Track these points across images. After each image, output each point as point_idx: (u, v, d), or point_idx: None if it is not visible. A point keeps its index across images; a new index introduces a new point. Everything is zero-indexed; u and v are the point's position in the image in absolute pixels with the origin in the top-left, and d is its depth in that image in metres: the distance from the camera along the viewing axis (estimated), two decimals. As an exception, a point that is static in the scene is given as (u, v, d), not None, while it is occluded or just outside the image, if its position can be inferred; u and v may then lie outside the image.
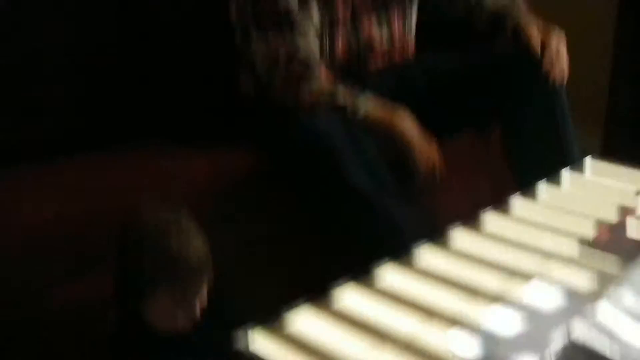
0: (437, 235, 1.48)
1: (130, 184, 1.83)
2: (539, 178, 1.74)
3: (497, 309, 1.23)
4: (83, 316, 1.70)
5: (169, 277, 1.52)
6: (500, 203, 1.63)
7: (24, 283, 1.66)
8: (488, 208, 1.60)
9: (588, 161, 1.82)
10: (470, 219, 1.55)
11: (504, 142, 2.14)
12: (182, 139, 2.10)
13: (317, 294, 1.28)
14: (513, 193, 1.66)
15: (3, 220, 1.69)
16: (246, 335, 1.16)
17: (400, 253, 1.41)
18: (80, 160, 1.97)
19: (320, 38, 2.03)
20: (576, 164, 1.82)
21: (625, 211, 1.54)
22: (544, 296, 1.26)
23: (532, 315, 1.20)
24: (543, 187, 1.70)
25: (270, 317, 1.21)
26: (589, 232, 1.46)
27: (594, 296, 1.25)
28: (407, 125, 1.89)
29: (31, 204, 1.75)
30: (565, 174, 1.77)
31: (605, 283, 1.29)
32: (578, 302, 1.23)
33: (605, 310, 1.20)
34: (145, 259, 1.51)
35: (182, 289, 1.53)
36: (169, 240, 1.50)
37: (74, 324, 1.70)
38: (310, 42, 1.98)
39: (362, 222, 1.84)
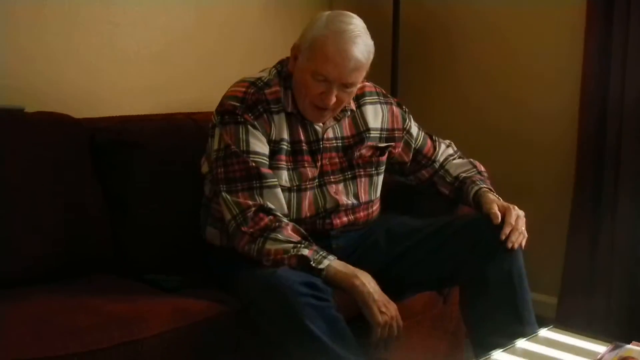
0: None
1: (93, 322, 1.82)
2: (495, 344, 1.76)
3: None
4: None
5: None
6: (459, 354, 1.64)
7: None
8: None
9: (544, 331, 1.86)
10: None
11: (461, 305, 2.17)
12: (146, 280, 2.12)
13: None
14: (469, 354, 1.68)
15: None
16: None
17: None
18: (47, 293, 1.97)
19: (288, 197, 2.10)
20: (532, 333, 1.85)
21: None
22: None
23: None
24: (498, 354, 1.73)
25: None
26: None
27: None
28: (367, 280, 1.93)
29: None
30: (521, 342, 1.79)
31: None
32: None
33: None
34: None
35: None
36: None
37: None
38: (279, 196, 2.05)
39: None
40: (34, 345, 1.69)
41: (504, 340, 1.78)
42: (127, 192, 2.29)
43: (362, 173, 2.24)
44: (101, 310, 1.87)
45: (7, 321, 1.78)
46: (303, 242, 1.96)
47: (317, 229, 2.14)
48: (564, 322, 1.93)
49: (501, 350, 1.75)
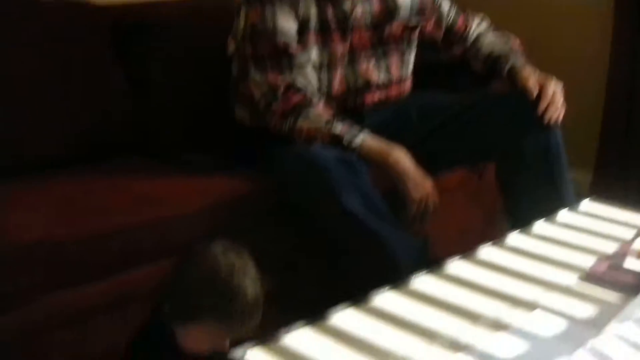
0: (433, 265, 1.48)
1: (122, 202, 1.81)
2: (534, 217, 1.74)
3: (498, 335, 1.22)
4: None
5: (220, 310, 1.50)
6: (494, 237, 1.63)
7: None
8: (486, 241, 1.60)
9: (584, 203, 1.83)
10: (466, 251, 1.54)
11: (498, 180, 2.14)
12: (180, 163, 2.09)
13: (316, 317, 1.26)
14: (506, 230, 1.67)
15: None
16: (245, 352, 1.14)
17: (396, 279, 1.40)
18: (73, 176, 1.96)
19: (318, 74, 2.04)
20: (572, 205, 1.83)
21: (623, 245, 1.54)
22: (546, 325, 1.25)
23: (534, 343, 1.19)
24: (540, 224, 1.71)
25: (269, 337, 1.19)
26: (588, 264, 1.46)
27: (596, 327, 1.24)
28: (402, 155, 1.90)
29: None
30: (562, 213, 1.77)
31: (605, 315, 1.28)
32: (580, 332, 1.22)
33: (606, 341, 1.19)
34: (204, 284, 1.49)
35: (228, 326, 1.52)
36: (232, 275, 1.49)
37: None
38: (308, 75, 2.00)
39: (356, 246, 1.84)
40: (61, 226, 1.68)
41: (543, 215, 1.76)
42: (151, 74, 2.23)
43: (393, 50, 2.17)
44: (129, 191, 1.86)
45: (32, 203, 1.77)
46: (335, 119, 1.92)
47: (349, 107, 2.09)
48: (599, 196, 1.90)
49: (542, 220, 1.73)
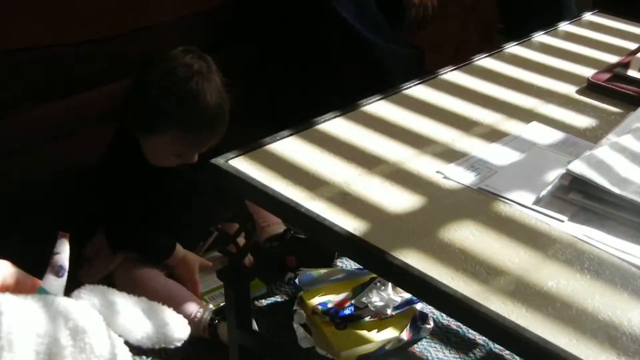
0: (428, 74, 1.41)
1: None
2: (534, 28, 1.66)
3: (494, 144, 1.17)
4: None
5: (180, 115, 1.45)
6: (492, 49, 1.55)
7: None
8: (483, 52, 1.52)
9: (587, 15, 1.75)
10: (463, 61, 1.47)
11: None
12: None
13: (304, 124, 1.20)
14: (504, 42, 1.59)
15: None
16: (229, 158, 1.09)
17: (389, 88, 1.34)
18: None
19: None
20: (574, 18, 1.74)
21: (626, 56, 1.47)
22: (543, 134, 1.20)
23: (531, 152, 1.14)
24: (540, 35, 1.63)
25: (252, 145, 1.13)
26: (589, 75, 1.39)
27: (594, 138, 1.19)
28: None
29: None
30: (564, 25, 1.69)
31: (604, 126, 1.23)
32: (577, 142, 1.18)
33: (604, 152, 1.14)
34: (162, 88, 1.44)
35: (193, 135, 1.48)
36: (192, 77, 1.43)
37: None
38: None
39: (348, 53, 1.77)
40: (46, 33, 1.59)
41: (543, 29, 1.67)
42: None
43: None
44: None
45: (20, 10, 1.66)
46: None
47: None
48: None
49: (542, 32, 1.65)
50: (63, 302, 0.80)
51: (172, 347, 0.90)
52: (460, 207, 1.00)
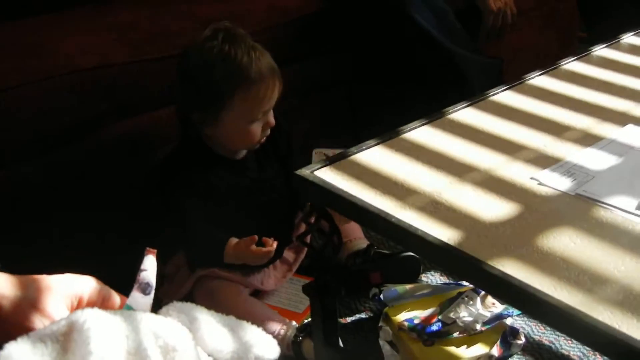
0: (509, 82, 1.37)
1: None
2: (618, 32, 1.60)
3: (588, 148, 1.12)
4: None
5: (238, 70, 1.46)
6: (574, 55, 1.50)
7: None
8: (568, 57, 1.47)
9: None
10: (546, 67, 1.42)
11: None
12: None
13: (390, 133, 1.17)
14: (584, 49, 1.53)
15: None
16: (315, 169, 1.07)
17: (470, 96, 1.30)
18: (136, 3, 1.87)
19: None
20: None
21: None
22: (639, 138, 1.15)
23: (627, 156, 1.09)
24: (629, 37, 1.57)
25: (339, 154, 1.11)
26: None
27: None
28: None
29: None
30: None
31: None
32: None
33: None
34: (209, 63, 1.45)
35: (253, 100, 1.48)
36: (227, 44, 1.45)
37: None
38: None
39: (426, 62, 1.74)
40: (121, 50, 1.61)
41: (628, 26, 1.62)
42: None
43: None
44: (192, 14, 1.77)
45: (92, 28, 1.70)
46: None
47: None
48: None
49: (631, 33, 1.59)
50: (152, 319, 0.78)
51: (260, 367, 0.87)
52: (558, 214, 0.95)
